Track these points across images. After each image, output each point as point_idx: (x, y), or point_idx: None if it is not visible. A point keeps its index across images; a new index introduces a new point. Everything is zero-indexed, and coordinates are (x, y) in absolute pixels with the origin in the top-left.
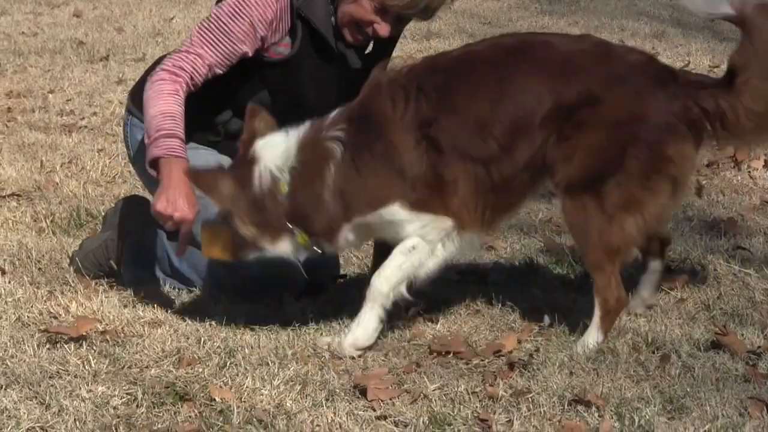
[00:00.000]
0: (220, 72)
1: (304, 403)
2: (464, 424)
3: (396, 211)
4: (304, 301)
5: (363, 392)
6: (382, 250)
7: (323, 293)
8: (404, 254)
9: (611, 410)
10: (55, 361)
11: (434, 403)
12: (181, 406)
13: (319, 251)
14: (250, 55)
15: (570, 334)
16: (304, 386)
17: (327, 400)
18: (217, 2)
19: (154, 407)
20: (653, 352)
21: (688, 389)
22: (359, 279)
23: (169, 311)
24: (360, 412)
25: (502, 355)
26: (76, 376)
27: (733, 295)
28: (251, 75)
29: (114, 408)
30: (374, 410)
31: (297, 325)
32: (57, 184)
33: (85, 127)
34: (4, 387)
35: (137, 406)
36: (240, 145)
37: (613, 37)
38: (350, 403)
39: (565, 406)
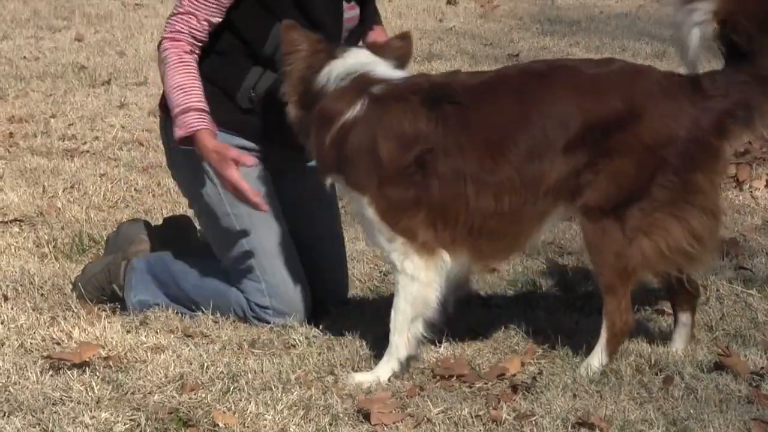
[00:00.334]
0: (219, 19)
1: (307, 427)
2: None
3: (365, 206)
4: (307, 326)
5: (366, 416)
6: None
7: (327, 318)
8: (396, 297)
9: None
10: (58, 387)
11: (438, 426)
12: None
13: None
14: None
15: (573, 356)
16: (307, 411)
17: (330, 424)
18: None
19: None
20: (656, 374)
21: (692, 411)
22: (362, 303)
23: (172, 336)
24: None
25: (506, 378)
26: (79, 403)
27: (735, 315)
28: (258, 15)
29: None
30: None
31: (300, 349)
32: (59, 209)
33: (87, 151)
34: (7, 414)
35: None
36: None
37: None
38: (354, 428)
39: (569, 428)
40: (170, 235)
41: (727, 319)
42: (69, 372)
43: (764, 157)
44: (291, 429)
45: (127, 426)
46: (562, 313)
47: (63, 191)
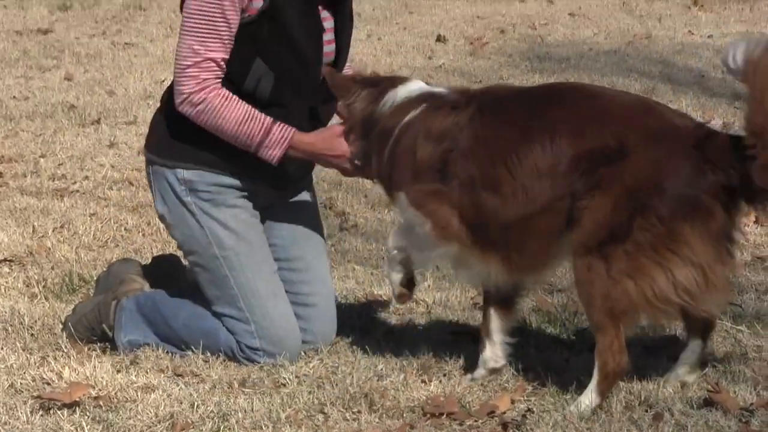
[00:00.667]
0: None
1: None
2: None
3: (404, 204)
4: (297, 364)
5: None
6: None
7: (316, 356)
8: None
9: None
10: (48, 427)
11: None
12: None
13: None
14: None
15: (563, 393)
16: None
17: None
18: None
19: None
20: (646, 411)
21: None
22: (352, 341)
23: (162, 376)
24: None
25: (496, 416)
26: None
27: (725, 352)
28: (239, 50)
29: None
30: None
31: (290, 388)
32: (49, 249)
33: (77, 191)
34: None
35: None
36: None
37: None
38: None
39: None
40: (159, 274)
41: (717, 355)
42: (59, 412)
43: None
44: None
45: None
46: (552, 351)
47: (53, 231)
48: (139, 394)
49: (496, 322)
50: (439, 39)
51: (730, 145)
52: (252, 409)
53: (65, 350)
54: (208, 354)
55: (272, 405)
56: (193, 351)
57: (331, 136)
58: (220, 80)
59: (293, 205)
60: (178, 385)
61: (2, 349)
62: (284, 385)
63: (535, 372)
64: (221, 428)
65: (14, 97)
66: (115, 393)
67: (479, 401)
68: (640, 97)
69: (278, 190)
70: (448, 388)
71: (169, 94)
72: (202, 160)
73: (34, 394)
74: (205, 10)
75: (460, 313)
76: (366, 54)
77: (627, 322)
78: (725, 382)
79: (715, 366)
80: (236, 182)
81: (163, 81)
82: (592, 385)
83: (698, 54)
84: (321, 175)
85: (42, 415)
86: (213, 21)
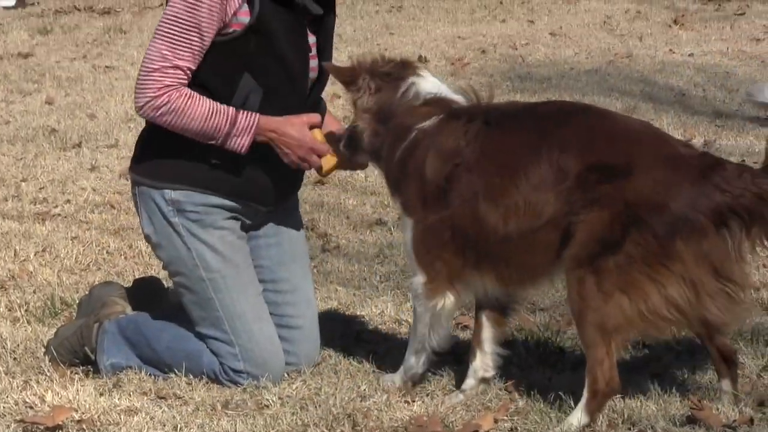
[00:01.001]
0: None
1: None
2: None
3: (408, 228)
4: (280, 386)
5: None
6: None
7: (299, 378)
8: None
9: None
10: None
11: None
12: None
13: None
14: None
15: (546, 412)
16: None
17: None
18: (167, 3)
19: None
20: (629, 429)
21: None
22: (335, 362)
23: (145, 398)
24: None
25: None
26: None
27: (707, 368)
28: (226, 66)
29: None
30: None
31: (274, 409)
32: (31, 272)
33: (59, 215)
34: None
35: None
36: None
37: None
38: None
39: None
40: (141, 297)
41: (700, 372)
42: None
43: None
44: None
45: None
46: (535, 370)
47: (35, 255)
48: (122, 417)
49: (487, 332)
50: (421, 60)
51: (737, 174)
52: (235, 431)
53: (48, 374)
54: (191, 376)
55: (255, 427)
56: (176, 373)
57: (299, 123)
58: (183, 86)
59: (280, 227)
60: (161, 408)
61: None
62: (267, 406)
63: (518, 391)
64: None
65: None
66: (98, 416)
67: (462, 421)
68: (648, 123)
69: (266, 207)
70: (432, 408)
71: None
72: (190, 180)
73: (17, 418)
74: (180, 19)
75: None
76: None
77: (619, 338)
78: (708, 400)
79: (697, 383)
80: (224, 202)
81: None
82: (581, 403)
83: (679, 72)
84: (303, 196)
85: None
86: (187, 30)
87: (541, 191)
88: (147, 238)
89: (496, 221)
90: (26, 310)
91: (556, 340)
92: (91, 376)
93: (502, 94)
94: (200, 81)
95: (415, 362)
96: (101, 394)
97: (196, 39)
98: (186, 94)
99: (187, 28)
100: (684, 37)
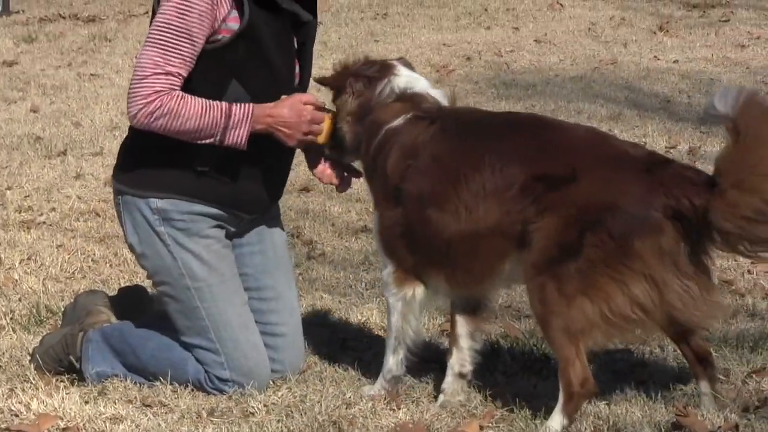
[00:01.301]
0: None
1: None
2: None
3: (376, 221)
4: (265, 393)
5: None
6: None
7: (285, 385)
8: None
9: None
10: None
11: None
12: None
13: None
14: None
15: (532, 419)
16: None
17: None
18: (152, 15)
19: None
20: None
21: None
22: (320, 369)
23: (130, 406)
24: None
25: None
26: None
27: (694, 378)
28: (214, 73)
29: None
30: None
31: (259, 417)
32: (16, 280)
33: (44, 223)
34: None
35: None
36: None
37: (570, 121)
38: None
39: None
40: (126, 306)
41: (685, 378)
42: None
43: None
44: None
45: None
46: (520, 377)
47: (20, 263)
48: (107, 425)
49: (462, 328)
50: None
51: (682, 174)
52: None
53: (33, 382)
54: (177, 384)
55: None
56: (161, 381)
57: (290, 102)
58: (174, 90)
59: (263, 235)
60: (146, 416)
61: None
62: (253, 414)
63: (503, 398)
64: None
65: None
66: (84, 424)
67: (448, 427)
68: (595, 129)
69: (250, 215)
70: (417, 415)
71: None
72: (176, 188)
73: (2, 426)
74: (172, 25)
75: (428, 340)
76: None
77: (586, 340)
78: (693, 406)
79: (683, 390)
80: (210, 210)
81: None
82: (558, 407)
83: (664, 79)
84: (288, 203)
85: None
86: (178, 37)
87: (482, 199)
88: (131, 248)
89: (439, 225)
90: (11, 318)
91: (541, 347)
92: (76, 384)
93: (487, 101)
94: (189, 88)
95: (393, 363)
96: (86, 402)
97: (187, 45)
98: (178, 96)
99: (178, 34)
100: (669, 44)
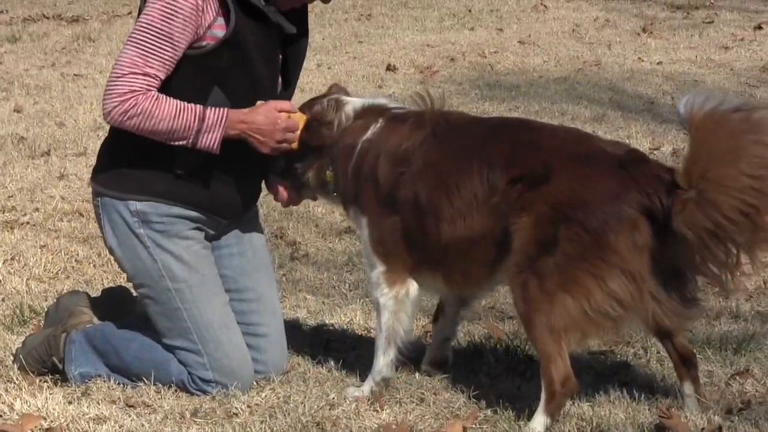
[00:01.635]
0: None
1: None
2: None
3: (364, 227)
4: (249, 394)
5: None
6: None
7: (268, 386)
8: (377, 321)
9: None
10: None
11: None
12: None
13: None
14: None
15: (516, 420)
16: None
17: None
18: (139, 14)
19: None
20: None
21: None
22: (304, 370)
23: (113, 407)
24: None
25: None
26: None
27: (676, 377)
28: (196, 79)
29: None
30: None
31: (242, 418)
32: (0, 281)
33: (28, 223)
34: None
35: None
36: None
37: (554, 122)
38: None
39: None
40: (109, 307)
41: (668, 380)
42: None
43: None
44: None
45: None
46: (503, 378)
47: (3, 263)
48: (91, 425)
49: (450, 305)
50: (390, 68)
51: (656, 173)
52: None
53: (17, 382)
54: (160, 384)
55: None
56: (144, 382)
57: (265, 109)
58: (150, 91)
59: (241, 237)
60: (130, 416)
61: None
62: (236, 414)
63: (487, 399)
64: None
65: None
66: (67, 424)
67: (431, 428)
68: (576, 130)
69: (227, 219)
70: (401, 416)
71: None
72: (155, 190)
73: None
74: (154, 27)
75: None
76: (316, 83)
77: (568, 337)
78: (676, 408)
79: (666, 391)
80: (189, 213)
81: None
82: (541, 406)
83: (648, 81)
84: (272, 205)
85: None
86: (159, 40)
87: (473, 206)
88: (111, 251)
89: (435, 231)
90: None
91: (525, 349)
92: (59, 384)
93: (471, 102)
94: (170, 93)
95: (383, 364)
96: (70, 403)
97: (167, 49)
98: (153, 96)
99: (160, 37)
100: (653, 45)
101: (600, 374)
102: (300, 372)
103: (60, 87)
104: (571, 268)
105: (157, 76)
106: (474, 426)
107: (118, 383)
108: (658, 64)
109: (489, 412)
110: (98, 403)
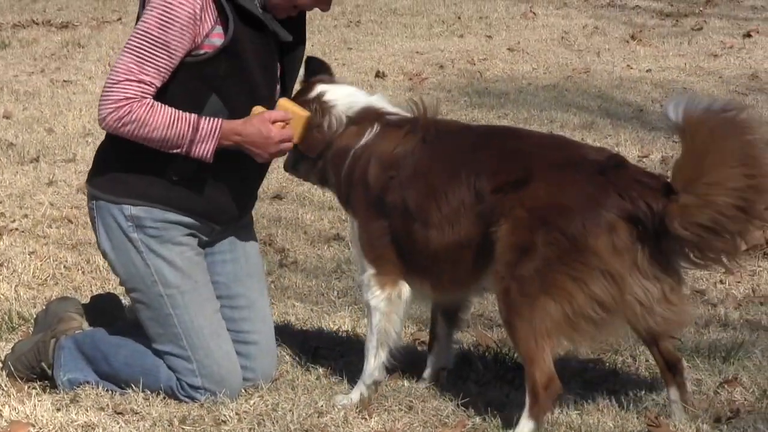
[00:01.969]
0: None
1: None
2: None
3: (355, 229)
4: (237, 401)
5: None
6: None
7: (257, 393)
8: (368, 325)
9: None
10: None
11: None
12: None
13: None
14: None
15: (504, 428)
16: None
17: None
18: (137, 20)
19: None
20: None
21: None
22: (293, 378)
23: (102, 414)
24: None
25: None
26: None
27: (664, 385)
28: (194, 86)
29: None
30: None
31: (231, 425)
32: None
33: (16, 229)
34: None
35: None
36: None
37: (543, 129)
38: None
39: None
40: (98, 313)
41: (657, 388)
42: None
43: None
44: None
45: None
46: (492, 386)
47: None
48: None
49: (442, 329)
50: (379, 75)
51: (638, 178)
52: None
53: (5, 389)
54: (148, 391)
55: None
56: (133, 389)
57: (259, 121)
58: (145, 98)
59: (235, 243)
60: (118, 423)
61: None
62: (225, 422)
63: (475, 407)
64: None
65: None
66: (56, 431)
67: None
68: (561, 137)
69: (221, 225)
70: (389, 424)
71: None
72: (150, 195)
73: None
74: (151, 35)
75: (400, 348)
76: None
77: (551, 342)
78: (664, 416)
79: (654, 400)
80: (183, 218)
81: None
82: (525, 410)
83: (637, 88)
84: (261, 211)
85: None
86: (155, 48)
87: (460, 212)
88: (104, 254)
89: (423, 237)
90: None
91: (513, 356)
92: (48, 391)
93: (460, 109)
94: (167, 100)
95: (374, 367)
96: (58, 410)
97: (164, 57)
98: (148, 104)
99: (157, 45)
100: (642, 53)
101: (588, 382)
102: (288, 379)
103: (49, 93)
104: (551, 272)
105: (153, 84)
106: None
107: (107, 390)
108: (647, 71)
109: (478, 419)
110: (87, 410)
